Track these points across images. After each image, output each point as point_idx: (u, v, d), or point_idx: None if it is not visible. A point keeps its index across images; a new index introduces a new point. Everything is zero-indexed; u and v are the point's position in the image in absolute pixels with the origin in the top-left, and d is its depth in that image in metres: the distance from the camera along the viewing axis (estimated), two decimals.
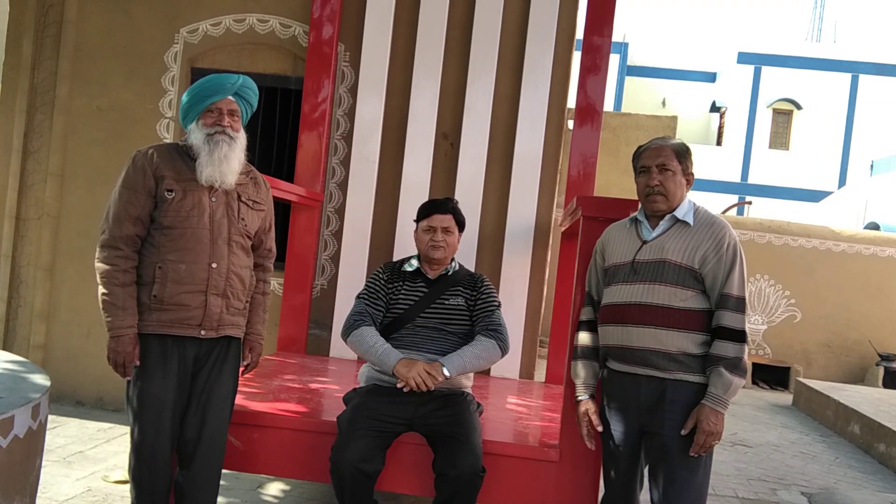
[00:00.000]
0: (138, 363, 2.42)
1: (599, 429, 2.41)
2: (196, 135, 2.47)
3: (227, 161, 2.45)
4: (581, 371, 2.48)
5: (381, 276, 2.88)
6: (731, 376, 2.20)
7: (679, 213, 2.36)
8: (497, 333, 2.75)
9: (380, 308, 2.81)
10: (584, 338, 2.50)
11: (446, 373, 2.60)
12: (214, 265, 2.45)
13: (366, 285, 2.88)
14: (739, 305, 2.25)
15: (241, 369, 2.67)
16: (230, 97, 2.52)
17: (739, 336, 2.23)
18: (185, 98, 2.51)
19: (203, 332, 2.46)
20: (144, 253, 2.43)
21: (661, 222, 2.37)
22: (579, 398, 2.46)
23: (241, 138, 2.54)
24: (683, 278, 2.28)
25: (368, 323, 2.75)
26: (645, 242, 2.37)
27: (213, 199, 2.48)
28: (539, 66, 4.34)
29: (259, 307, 2.70)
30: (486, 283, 2.89)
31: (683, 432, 2.24)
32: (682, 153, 2.38)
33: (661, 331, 2.27)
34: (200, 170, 2.43)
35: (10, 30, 4.86)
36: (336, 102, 4.56)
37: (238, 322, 2.57)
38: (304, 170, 4.35)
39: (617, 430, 2.39)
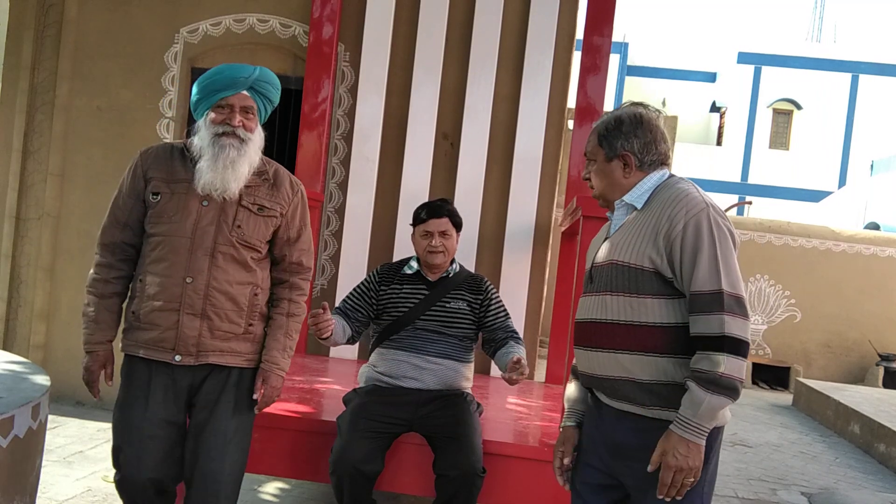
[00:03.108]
0: (110, 384, 2.25)
1: (566, 462, 1.97)
2: (202, 133, 2.19)
3: (234, 167, 2.15)
4: (571, 393, 2.04)
5: (374, 278, 2.88)
6: (702, 393, 1.64)
7: (629, 198, 1.88)
8: (521, 339, 2.84)
9: (359, 308, 2.82)
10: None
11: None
12: (189, 280, 2.13)
13: (355, 287, 2.90)
14: (714, 303, 1.67)
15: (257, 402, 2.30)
16: (244, 92, 2.21)
17: (716, 343, 1.66)
18: (194, 90, 2.24)
19: (178, 358, 2.15)
20: (139, 263, 2.22)
21: (617, 212, 1.92)
22: (562, 424, 2.03)
23: (256, 139, 2.24)
24: (638, 283, 1.77)
25: (337, 313, 2.78)
26: (606, 239, 1.93)
27: (205, 204, 2.17)
28: (539, 66, 4.34)
29: (278, 330, 2.29)
30: (490, 288, 2.90)
31: (650, 468, 1.71)
32: (606, 135, 1.91)
33: (623, 354, 1.78)
34: (199, 175, 2.15)
35: (10, 30, 4.86)
36: (336, 102, 4.56)
37: (234, 349, 2.21)
38: (304, 170, 4.35)
39: (583, 473, 1.93)
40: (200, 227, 2.16)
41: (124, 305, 2.25)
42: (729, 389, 1.66)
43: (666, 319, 1.76)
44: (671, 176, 1.90)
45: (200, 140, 2.18)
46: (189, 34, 4.74)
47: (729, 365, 1.66)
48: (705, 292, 1.69)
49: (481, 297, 2.84)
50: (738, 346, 1.67)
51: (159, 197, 2.18)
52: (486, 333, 2.83)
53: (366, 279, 2.90)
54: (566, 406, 2.04)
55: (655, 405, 1.76)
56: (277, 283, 2.34)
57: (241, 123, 2.19)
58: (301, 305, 2.35)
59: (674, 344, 1.75)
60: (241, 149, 2.16)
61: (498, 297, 2.90)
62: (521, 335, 4.29)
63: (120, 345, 2.23)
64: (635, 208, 1.87)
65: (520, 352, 2.69)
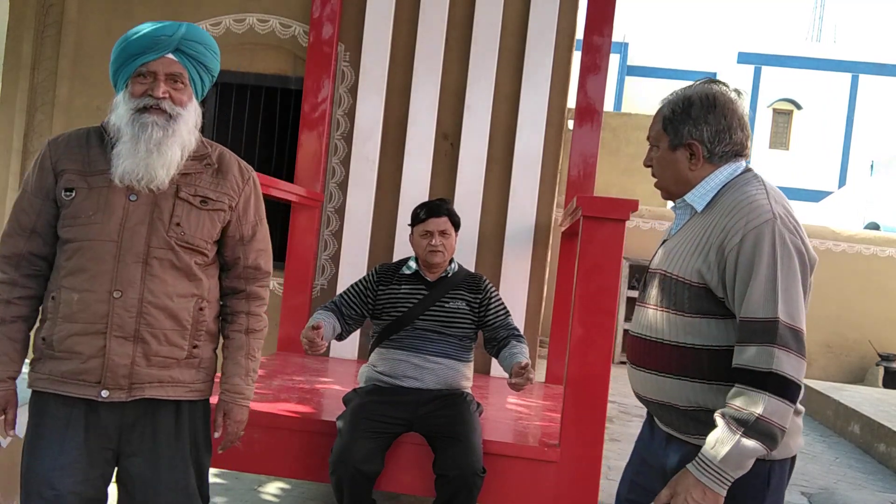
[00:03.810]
0: (12, 433, 1.83)
1: None
2: (120, 110, 1.76)
3: (160, 151, 1.72)
4: None
5: (372, 278, 2.89)
6: (732, 433, 1.40)
7: (690, 197, 1.63)
8: (523, 337, 2.84)
9: (354, 306, 2.83)
10: None
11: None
12: (118, 294, 1.70)
13: (352, 284, 2.91)
14: (766, 333, 1.42)
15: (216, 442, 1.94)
16: (170, 56, 1.76)
17: (760, 380, 1.41)
18: (112, 57, 1.80)
19: (105, 394, 1.71)
20: (51, 278, 1.79)
21: (679, 210, 1.69)
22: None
23: (189, 115, 1.80)
24: (685, 299, 1.55)
25: (329, 308, 2.81)
26: (664, 242, 1.71)
27: (133, 199, 1.74)
28: (539, 66, 4.34)
29: (238, 352, 1.90)
30: (489, 287, 2.90)
31: None
32: (672, 118, 1.65)
33: (662, 377, 1.59)
34: (116, 162, 1.72)
35: (10, 30, 4.86)
36: (336, 102, 4.56)
37: (176, 378, 1.79)
38: (304, 170, 4.35)
39: (632, 491, 1.76)
40: (128, 227, 1.73)
41: (33, 331, 1.83)
42: (765, 436, 1.41)
43: (713, 341, 1.52)
44: (745, 172, 1.62)
45: (118, 118, 1.76)
46: None
47: (770, 407, 1.40)
48: (757, 319, 1.43)
49: (480, 296, 2.84)
50: (785, 388, 1.41)
51: (74, 193, 1.74)
52: (488, 332, 2.83)
53: (364, 278, 2.91)
54: None
55: (701, 434, 1.51)
56: (231, 294, 1.92)
57: (166, 94, 1.75)
58: (262, 319, 1.95)
59: (720, 369, 1.51)
60: (169, 127, 1.74)
61: (497, 295, 2.90)
62: (522, 333, 4.28)
63: (27, 380, 1.80)
64: (695, 210, 1.62)
65: (524, 353, 2.69)
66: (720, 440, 1.43)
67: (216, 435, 1.91)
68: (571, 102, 4.41)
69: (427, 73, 4.40)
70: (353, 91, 4.52)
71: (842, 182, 19.39)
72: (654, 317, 1.61)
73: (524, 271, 4.31)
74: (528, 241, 4.32)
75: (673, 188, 1.67)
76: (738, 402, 1.43)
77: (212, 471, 3.63)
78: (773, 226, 1.47)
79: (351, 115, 4.52)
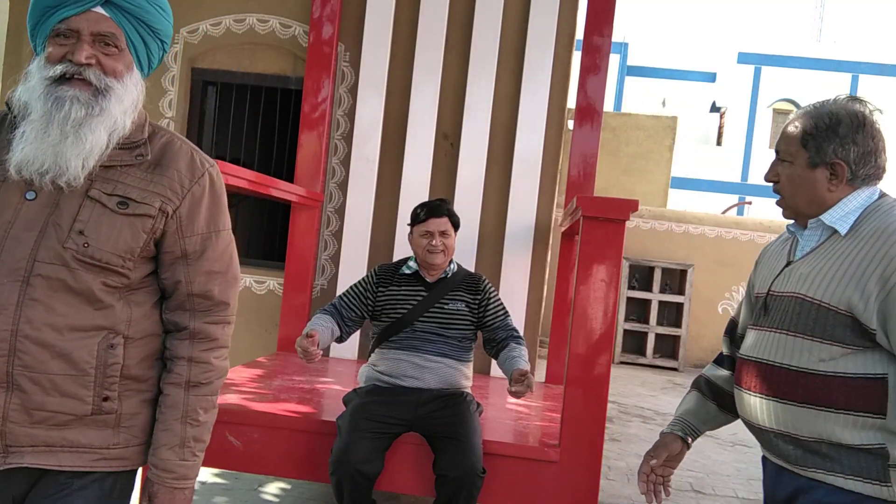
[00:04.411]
0: None
1: (653, 465, 1.73)
2: (32, 81, 1.35)
3: (78, 135, 1.30)
4: (688, 403, 1.82)
5: (371, 279, 2.89)
6: None
7: (829, 218, 1.53)
8: (522, 338, 2.86)
9: (353, 307, 2.83)
10: (708, 368, 1.86)
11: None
12: None
13: (352, 285, 2.90)
14: None
15: None
16: (100, 9, 1.33)
17: None
18: (29, 10, 1.39)
19: None
20: None
21: (808, 231, 1.58)
22: (663, 430, 1.82)
23: (125, 90, 1.37)
24: (828, 326, 1.45)
25: (328, 311, 2.82)
26: (789, 264, 1.59)
27: (30, 197, 1.31)
28: (539, 66, 4.34)
29: (172, 413, 1.41)
30: (489, 287, 2.90)
31: None
32: (815, 135, 1.53)
33: (784, 404, 1.50)
34: (16, 147, 1.31)
35: (10, 30, 4.86)
36: (336, 102, 4.56)
37: (78, 441, 1.33)
38: (304, 170, 4.35)
39: None
40: (13, 234, 1.29)
41: None
42: None
43: (849, 370, 1.44)
44: (883, 196, 1.54)
45: (27, 91, 1.35)
46: (189, 34, 4.74)
47: None
48: None
49: (480, 297, 2.84)
50: None
51: None
52: (487, 333, 2.84)
53: (363, 279, 2.90)
54: (675, 413, 1.82)
55: (818, 467, 1.47)
56: (173, 331, 1.45)
57: (92, 60, 1.32)
58: (212, 368, 1.44)
59: (856, 398, 1.43)
60: (94, 104, 1.32)
61: (497, 295, 2.90)
62: (521, 335, 4.29)
63: None
64: (835, 231, 1.52)
65: (523, 357, 2.69)
66: None
67: None
68: (571, 102, 4.41)
69: (427, 73, 4.40)
70: (353, 91, 4.52)
71: None
72: (780, 342, 1.52)
73: (524, 271, 4.32)
74: (528, 241, 4.32)
75: (804, 208, 1.57)
76: None
77: (212, 471, 3.65)
78: None
79: (351, 115, 4.52)
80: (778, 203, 1.63)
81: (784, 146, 1.58)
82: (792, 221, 1.63)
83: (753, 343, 1.61)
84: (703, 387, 1.81)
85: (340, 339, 2.84)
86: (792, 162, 1.56)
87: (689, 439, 1.77)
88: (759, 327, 1.60)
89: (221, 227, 1.47)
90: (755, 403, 1.56)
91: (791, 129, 1.57)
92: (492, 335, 2.82)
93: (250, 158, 4.89)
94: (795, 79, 20.00)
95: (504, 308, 2.89)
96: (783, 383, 1.50)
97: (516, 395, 2.50)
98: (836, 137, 1.51)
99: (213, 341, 1.45)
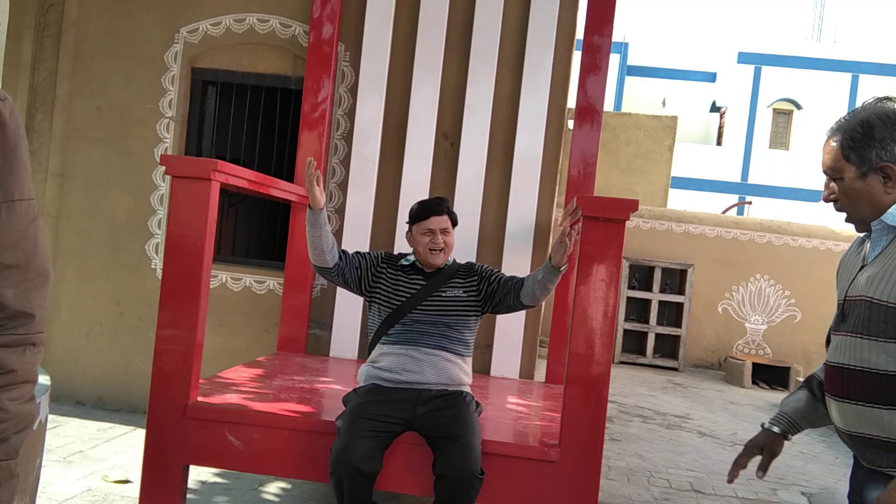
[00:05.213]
0: None
1: (742, 462, 1.81)
2: None
3: None
4: (792, 399, 1.84)
5: (379, 255, 2.96)
6: None
7: (890, 218, 1.55)
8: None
9: (359, 261, 2.91)
10: (819, 369, 1.85)
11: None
12: None
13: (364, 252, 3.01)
14: None
15: None
16: None
17: None
18: None
19: None
20: None
21: (874, 234, 1.60)
22: (764, 424, 1.85)
23: None
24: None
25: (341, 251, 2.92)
26: (863, 268, 1.62)
27: None
28: (539, 66, 4.34)
29: None
30: (482, 266, 2.99)
31: None
32: (853, 146, 1.56)
33: (870, 408, 1.51)
34: None
35: (10, 30, 4.86)
36: (336, 102, 4.56)
37: None
38: (305, 170, 4.35)
39: None
40: None
41: None
42: None
43: None
44: None
45: None
46: (189, 34, 4.74)
47: None
48: None
49: (476, 276, 2.91)
50: None
51: None
52: (499, 293, 2.88)
53: (371, 253, 2.99)
54: (781, 408, 1.84)
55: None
56: None
57: None
58: (8, 416, 0.98)
59: None
60: None
61: (490, 268, 2.98)
62: (521, 335, 4.30)
63: None
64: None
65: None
66: None
67: None
68: (571, 102, 4.41)
69: (427, 73, 4.40)
70: (353, 91, 4.52)
71: None
72: (855, 345, 1.55)
73: (524, 271, 4.31)
74: (528, 241, 4.32)
75: (871, 217, 1.58)
76: None
77: (212, 471, 3.65)
78: None
79: (351, 115, 4.52)
80: (847, 220, 1.64)
81: (829, 165, 1.61)
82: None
83: (834, 348, 1.63)
84: (816, 389, 1.81)
85: (335, 266, 2.86)
86: (842, 178, 1.59)
87: (790, 435, 1.81)
88: (838, 333, 1.64)
89: (17, 196, 0.96)
90: (842, 408, 1.58)
91: (830, 147, 1.60)
92: (502, 288, 2.88)
93: (250, 158, 4.89)
94: (795, 78, 20.00)
95: (503, 273, 2.97)
96: (866, 386, 1.51)
97: (559, 249, 2.67)
98: (875, 142, 1.53)
99: (9, 374, 0.97)
